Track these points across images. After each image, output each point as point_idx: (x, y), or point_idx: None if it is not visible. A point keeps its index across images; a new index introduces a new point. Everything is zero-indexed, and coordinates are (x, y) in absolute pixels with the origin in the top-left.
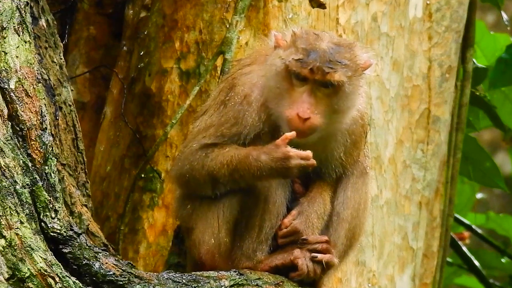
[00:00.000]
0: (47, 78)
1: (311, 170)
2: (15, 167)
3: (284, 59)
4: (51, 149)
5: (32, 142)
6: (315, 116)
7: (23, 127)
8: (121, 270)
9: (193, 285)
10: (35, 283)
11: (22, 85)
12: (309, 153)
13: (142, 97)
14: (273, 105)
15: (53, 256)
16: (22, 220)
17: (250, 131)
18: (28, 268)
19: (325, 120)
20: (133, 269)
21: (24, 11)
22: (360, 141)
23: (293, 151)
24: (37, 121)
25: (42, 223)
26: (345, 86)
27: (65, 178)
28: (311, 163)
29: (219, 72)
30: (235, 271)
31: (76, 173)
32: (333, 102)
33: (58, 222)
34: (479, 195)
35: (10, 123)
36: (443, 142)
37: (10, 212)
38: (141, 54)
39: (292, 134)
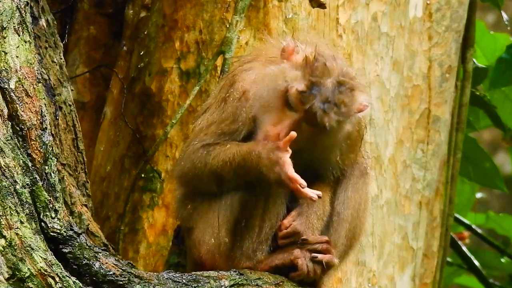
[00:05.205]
0: (47, 78)
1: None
2: (15, 167)
3: (288, 83)
4: (51, 149)
5: (32, 142)
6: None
7: (23, 127)
8: (121, 270)
9: (193, 285)
10: (35, 283)
11: (22, 85)
12: (291, 175)
13: (142, 97)
14: (259, 111)
15: (53, 256)
16: (22, 220)
17: (244, 128)
18: (28, 268)
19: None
20: (133, 269)
21: (24, 11)
22: (356, 145)
23: (284, 161)
24: (37, 121)
25: (42, 223)
26: (331, 128)
27: (65, 178)
28: (289, 183)
29: (219, 72)
30: (235, 271)
31: (76, 173)
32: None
33: (58, 222)
34: (479, 195)
35: (10, 123)
36: (443, 142)
37: (10, 212)
38: (141, 54)
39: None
